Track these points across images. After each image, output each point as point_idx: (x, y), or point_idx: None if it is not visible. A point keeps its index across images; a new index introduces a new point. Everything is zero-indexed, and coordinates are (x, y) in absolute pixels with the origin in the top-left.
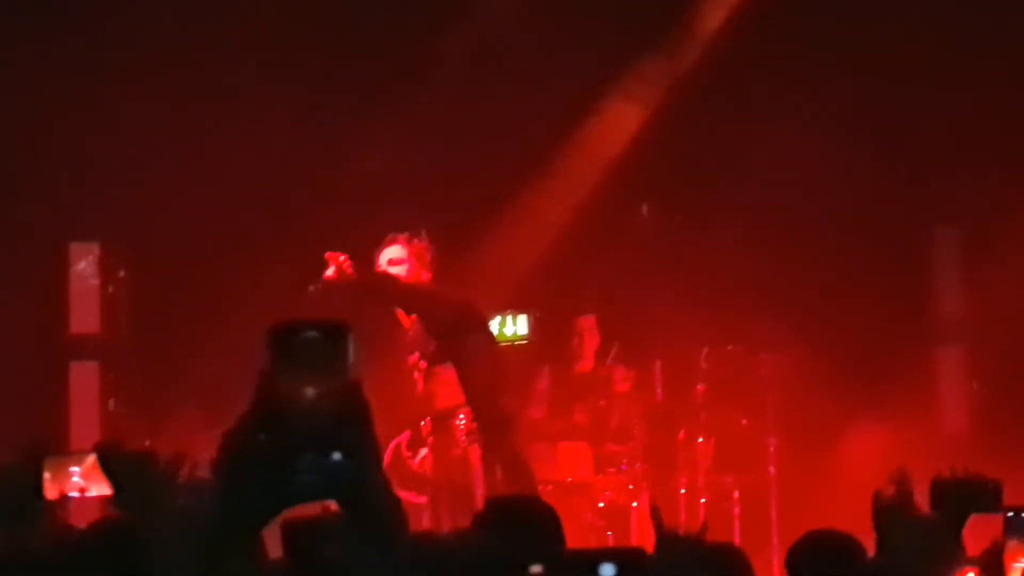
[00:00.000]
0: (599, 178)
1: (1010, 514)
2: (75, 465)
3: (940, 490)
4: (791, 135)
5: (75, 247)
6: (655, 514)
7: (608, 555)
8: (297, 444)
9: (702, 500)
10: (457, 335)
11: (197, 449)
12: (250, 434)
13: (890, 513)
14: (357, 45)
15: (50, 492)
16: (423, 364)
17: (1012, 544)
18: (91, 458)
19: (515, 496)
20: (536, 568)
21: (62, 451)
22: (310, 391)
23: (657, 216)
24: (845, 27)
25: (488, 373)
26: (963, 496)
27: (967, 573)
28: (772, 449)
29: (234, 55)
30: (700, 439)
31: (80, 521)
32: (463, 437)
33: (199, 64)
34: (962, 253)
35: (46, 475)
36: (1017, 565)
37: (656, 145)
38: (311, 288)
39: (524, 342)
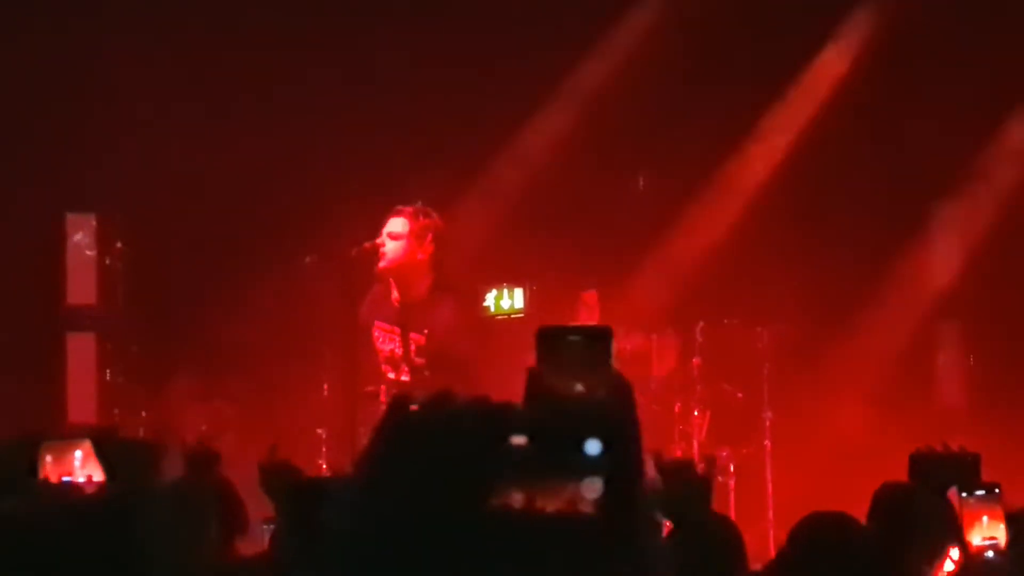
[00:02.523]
0: (596, 150)
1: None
2: (77, 449)
3: (919, 463)
4: (788, 105)
5: (72, 218)
6: (658, 456)
7: (593, 429)
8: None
9: None
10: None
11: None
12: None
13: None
14: (359, 18)
15: (51, 475)
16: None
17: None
18: (88, 442)
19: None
20: (519, 439)
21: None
22: (577, 386)
23: (653, 188)
24: (844, 7)
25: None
26: (941, 469)
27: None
28: (768, 423)
29: (236, 27)
30: (696, 412)
31: None
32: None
33: (198, 36)
34: (959, 227)
35: (47, 458)
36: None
37: (652, 116)
38: (307, 260)
39: (520, 315)
